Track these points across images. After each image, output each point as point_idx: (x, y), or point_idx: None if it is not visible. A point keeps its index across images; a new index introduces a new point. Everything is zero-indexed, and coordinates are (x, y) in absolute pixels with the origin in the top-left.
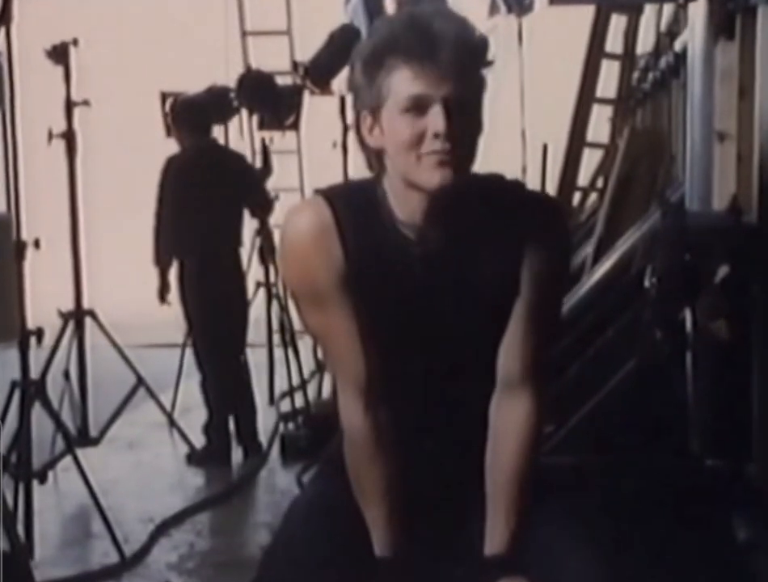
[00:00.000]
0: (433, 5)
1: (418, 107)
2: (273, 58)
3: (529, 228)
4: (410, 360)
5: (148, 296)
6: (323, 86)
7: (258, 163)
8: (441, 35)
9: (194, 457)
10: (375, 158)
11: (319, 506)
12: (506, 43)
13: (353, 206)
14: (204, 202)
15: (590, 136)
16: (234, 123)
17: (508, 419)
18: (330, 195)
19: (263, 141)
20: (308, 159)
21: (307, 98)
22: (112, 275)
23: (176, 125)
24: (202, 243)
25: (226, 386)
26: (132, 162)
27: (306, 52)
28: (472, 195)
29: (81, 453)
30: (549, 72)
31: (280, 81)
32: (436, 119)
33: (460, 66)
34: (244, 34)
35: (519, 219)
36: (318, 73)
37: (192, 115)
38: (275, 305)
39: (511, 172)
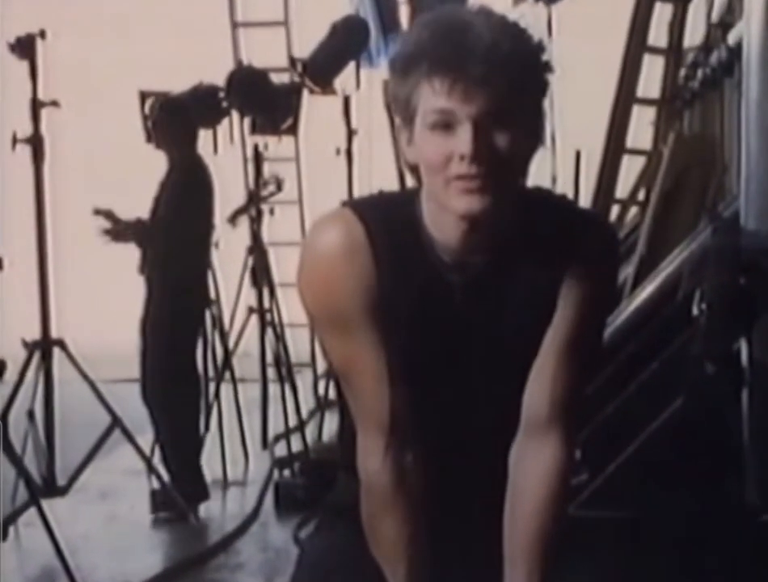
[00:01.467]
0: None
1: (446, 124)
2: (268, 52)
3: (572, 251)
4: (442, 400)
5: (125, 324)
6: (325, 85)
7: (250, 172)
8: (475, 43)
9: (160, 504)
10: (414, 173)
11: (328, 565)
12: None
13: (387, 222)
14: (179, 221)
15: (630, 141)
16: (223, 127)
17: (531, 468)
18: (361, 208)
19: (255, 147)
20: (307, 168)
21: (306, 98)
22: (85, 300)
23: (159, 132)
24: (167, 264)
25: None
26: (108, 171)
27: (306, 45)
28: (514, 214)
29: (46, 504)
30: (582, 68)
31: (276, 78)
32: (462, 139)
33: (496, 79)
34: (235, 25)
35: (563, 240)
36: (319, 69)
37: (177, 122)
38: (269, 333)
39: (539, 182)
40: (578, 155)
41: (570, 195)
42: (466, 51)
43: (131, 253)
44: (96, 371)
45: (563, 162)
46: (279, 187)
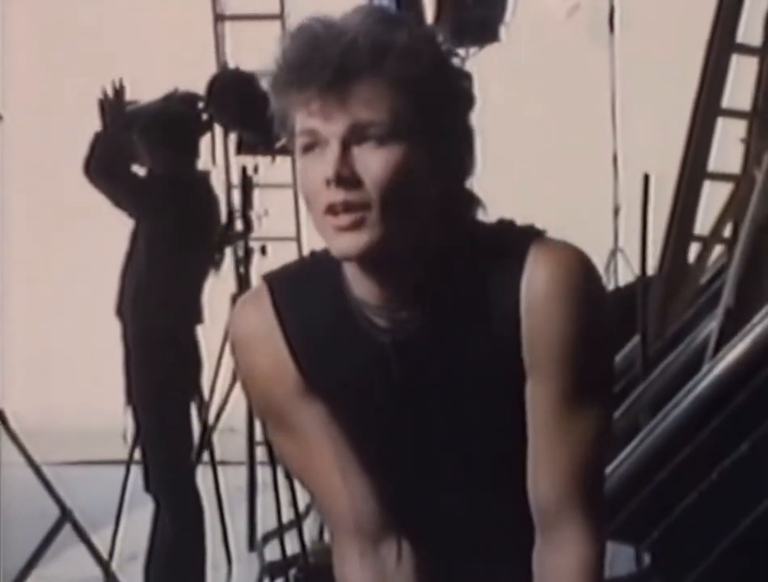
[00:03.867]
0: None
1: (314, 144)
2: (259, 52)
3: (528, 291)
4: (411, 489)
5: (78, 395)
6: None
7: (236, 201)
8: (330, 44)
9: None
10: None
11: None
12: (591, 30)
13: (304, 291)
14: (173, 254)
15: (713, 163)
16: (203, 144)
17: (554, 573)
18: (274, 282)
19: (243, 170)
20: None
21: None
22: (31, 366)
23: (148, 147)
24: (149, 309)
25: (193, 516)
26: (62, 198)
27: None
28: (454, 255)
29: None
30: (652, 70)
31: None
32: (326, 160)
33: (359, 84)
34: (218, 17)
35: (513, 279)
36: None
37: (174, 132)
38: None
39: (597, 214)
40: (646, 180)
41: (636, 228)
42: (319, 55)
43: (86, 312)
44: (43, 451)
45: (628, 189)
46: (248, 227)
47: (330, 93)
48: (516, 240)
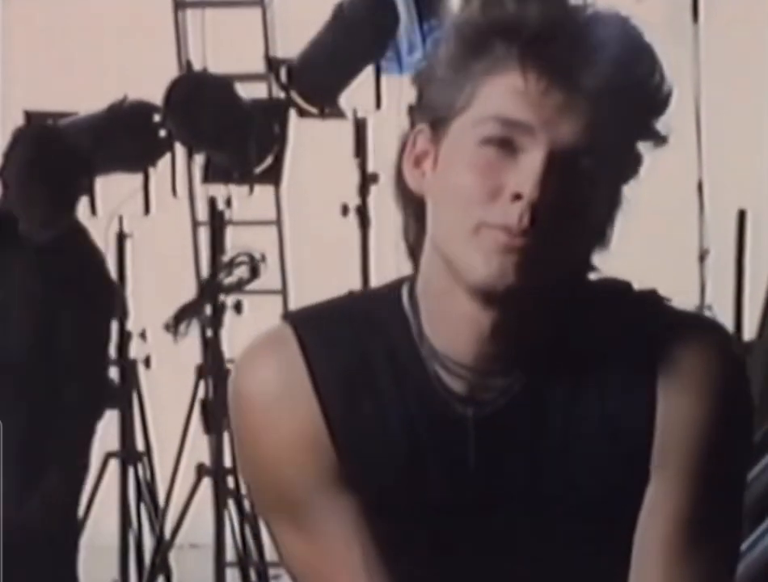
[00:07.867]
0: None
1: (506, 141)
2: (233, 50)
3: (665, 377)
4: None
5: None
6: (324, 103)
7: (205, 242)
8: (600, 40)
9: None
10: (413, 222)
11: None
12: (669, 20)
13: (344, 338)
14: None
15: None
16: (160, 170)
17: None
18: (305, 324)
19: (212, 203)
20: (295, 236)
21: (295, 123)
22: None
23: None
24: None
25: None
26: None
27: (293, 39)
28: (570, 317)
29: None
30: (748, 73)
31: (245, 92)
32: (526, 170)
33: (608, 101)
34: (179, 4)
35: (650, 361)
36: (316, 78)
37: (40, 166)
38: (230, 509)
39: (678, 259)
40: (742, 216)
41: (729, 279)
42: (586, 47)
43: None
44: None
45: (718, 228)
46: (254, 272)
47: (583, 91)
48: (640, 311)
